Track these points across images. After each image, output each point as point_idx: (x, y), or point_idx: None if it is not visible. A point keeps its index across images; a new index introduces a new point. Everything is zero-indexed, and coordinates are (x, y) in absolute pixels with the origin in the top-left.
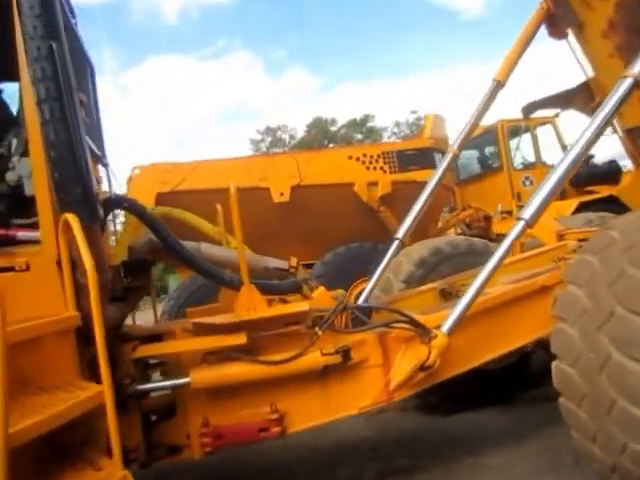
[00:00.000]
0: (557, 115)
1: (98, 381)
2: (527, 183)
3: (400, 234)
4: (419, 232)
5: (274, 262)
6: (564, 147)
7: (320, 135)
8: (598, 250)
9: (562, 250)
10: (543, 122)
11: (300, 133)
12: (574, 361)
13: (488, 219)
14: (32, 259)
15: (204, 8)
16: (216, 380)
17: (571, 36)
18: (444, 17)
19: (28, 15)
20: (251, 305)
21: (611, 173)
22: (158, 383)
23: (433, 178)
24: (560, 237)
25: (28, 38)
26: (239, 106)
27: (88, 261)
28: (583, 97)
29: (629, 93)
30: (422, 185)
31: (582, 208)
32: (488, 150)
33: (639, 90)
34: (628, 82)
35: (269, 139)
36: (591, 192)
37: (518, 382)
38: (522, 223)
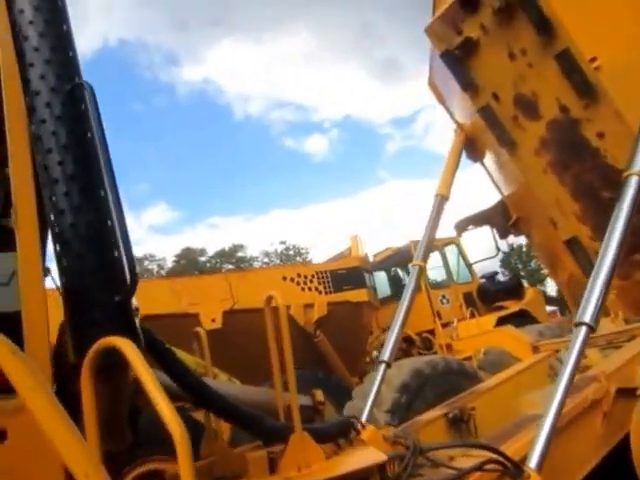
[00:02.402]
0: (460, 235)
1: None
2: (444, 302)
3: (386, 356)
4: (349, 357)
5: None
6: (469, 265)
7: (190, 265)
8: None
9: (545, 362)
10: (449, 242)
11: (169, 263)
12: None
13: (408, 340)
14: (8, 422)
15: None
16: None
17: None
18: (297, 159)
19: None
20: (304, 461)
21: (515, 288)
22: None
23: (406, 294)
24: (535, 349)
25: (36, 77)
26: None
27: (174, 422)
28: (501, 215)
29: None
30: (356, 306)
31: (500, 322)
32: (399, 271)
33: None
34: (635, 180)
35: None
36: (501, 307)
37: None
38: (585, 329)
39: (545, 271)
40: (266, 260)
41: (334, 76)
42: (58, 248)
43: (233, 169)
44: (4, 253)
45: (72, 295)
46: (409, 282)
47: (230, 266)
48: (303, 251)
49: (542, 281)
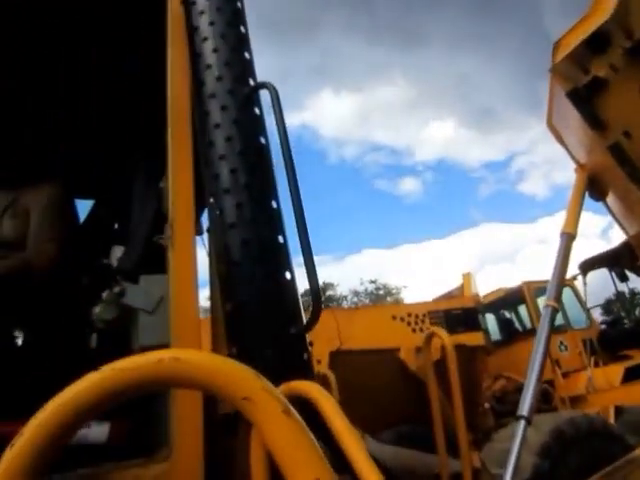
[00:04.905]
0: (575, 278)
1: None
2: (562, 348)
3: (525, 410)
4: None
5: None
6: (587, 310)
7: None
8: None
9: None
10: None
11: None
12: None
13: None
14: None
15: None
16: None
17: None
18: (390, 201)
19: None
20: None
21: None
22: None
23: (542, 337)
24: None
25: (212, 79)
26: None
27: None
28: (628, 256)
29: None
30: (472, 351)
31: (627, 374)
32: (509, 314)
33: None
34: None
35: None
36: (624, 357)
37: None
38: None
39: None
40: (355, 300)
41: (429, 122)
42: (224, 268)
43: (324, 209)
44: (151, 275)
45: (237, 325)
46: (542, 324)
47: None
48: (394, 291)
49: None
